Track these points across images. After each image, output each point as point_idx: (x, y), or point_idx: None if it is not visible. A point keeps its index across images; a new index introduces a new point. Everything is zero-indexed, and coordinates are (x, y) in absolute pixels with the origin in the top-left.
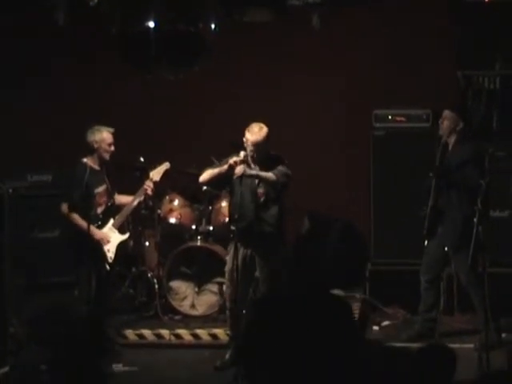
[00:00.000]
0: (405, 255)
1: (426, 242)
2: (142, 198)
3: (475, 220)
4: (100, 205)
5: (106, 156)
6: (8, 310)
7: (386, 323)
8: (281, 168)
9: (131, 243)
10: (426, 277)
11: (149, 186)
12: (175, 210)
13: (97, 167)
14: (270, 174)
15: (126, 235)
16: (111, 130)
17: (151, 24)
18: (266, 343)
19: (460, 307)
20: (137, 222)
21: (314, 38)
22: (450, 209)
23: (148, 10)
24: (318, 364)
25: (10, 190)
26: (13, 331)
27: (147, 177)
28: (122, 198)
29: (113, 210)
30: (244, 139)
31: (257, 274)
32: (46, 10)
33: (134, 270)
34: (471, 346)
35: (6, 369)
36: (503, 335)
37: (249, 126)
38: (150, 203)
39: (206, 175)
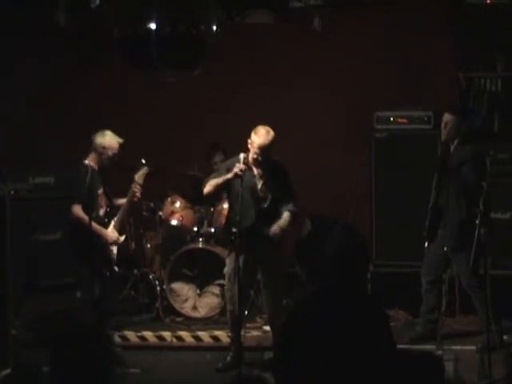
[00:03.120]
0: (406, 257)
1: (426, 244)
2: (134, 200)
3: (477, 222)
4: (101, 206)
5: (107, 163)
6: (10, 312)
7: None
8: (291, 206)
9: (133, 245)
10: (427, 278)
11: (137, 188)
12: (177, 212)
13: (96, 168)
14: (288, 219)
15: (123, 237)
16: (121, 140)
17: (153, 26)
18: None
19: (462, 309)
20: (138, 224)
21: (316, 39)
22: (449, 210)
23: (149, 11)
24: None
25: (12, 192)
26: (14, 333)
27: (132, 180)
28: (115, 200)
29: (113, 212)
30: (249, 141)
31: (258, 276)
32: (47, 10)
33: (135, 271)
34: (473, 347)
35: (8, 371)
36: (505, 337)
37: (255, 128)
38: (152, 205)
39: (210, 187)
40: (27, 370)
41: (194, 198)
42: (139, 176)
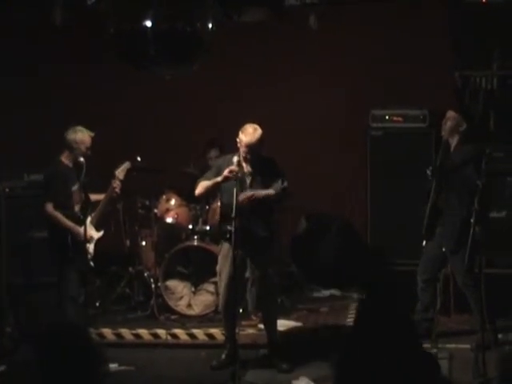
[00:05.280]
0: (402, 255)
1: (424, 242)
2: (113, 195)
3: (472, 220)
4: (77, 203)
5: (81, 158)
6: (5, 310)
7: None
8: (280, 184)
9: (128, 243)
10: (422, 277)
11: (117, 184)
12: (172, 210)
13: (71, 166)
14: (270, 191)
15: (101, 232)
16: (92, 134)
17: (149, 23)
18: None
19: (457, 308)
20: (133, 222)
21: (312, 38)
22: (449, 210)
23: (146, 8)
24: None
25: (7, 190)
26: (9, 330)
27: (113, 176)
28: (93, 196)
29: (89, 208)
30: (237, 140)
31: (247, 274)
32: (44, 9)
33: (130, 269)
34: (468, 346)
35: (3, 367)
36: (499, 336)
37: (243, 127)
38: (147, 203)
39: (201, 189)
40: (22, 367)
41: (190, 195)
42: (120, 171)
